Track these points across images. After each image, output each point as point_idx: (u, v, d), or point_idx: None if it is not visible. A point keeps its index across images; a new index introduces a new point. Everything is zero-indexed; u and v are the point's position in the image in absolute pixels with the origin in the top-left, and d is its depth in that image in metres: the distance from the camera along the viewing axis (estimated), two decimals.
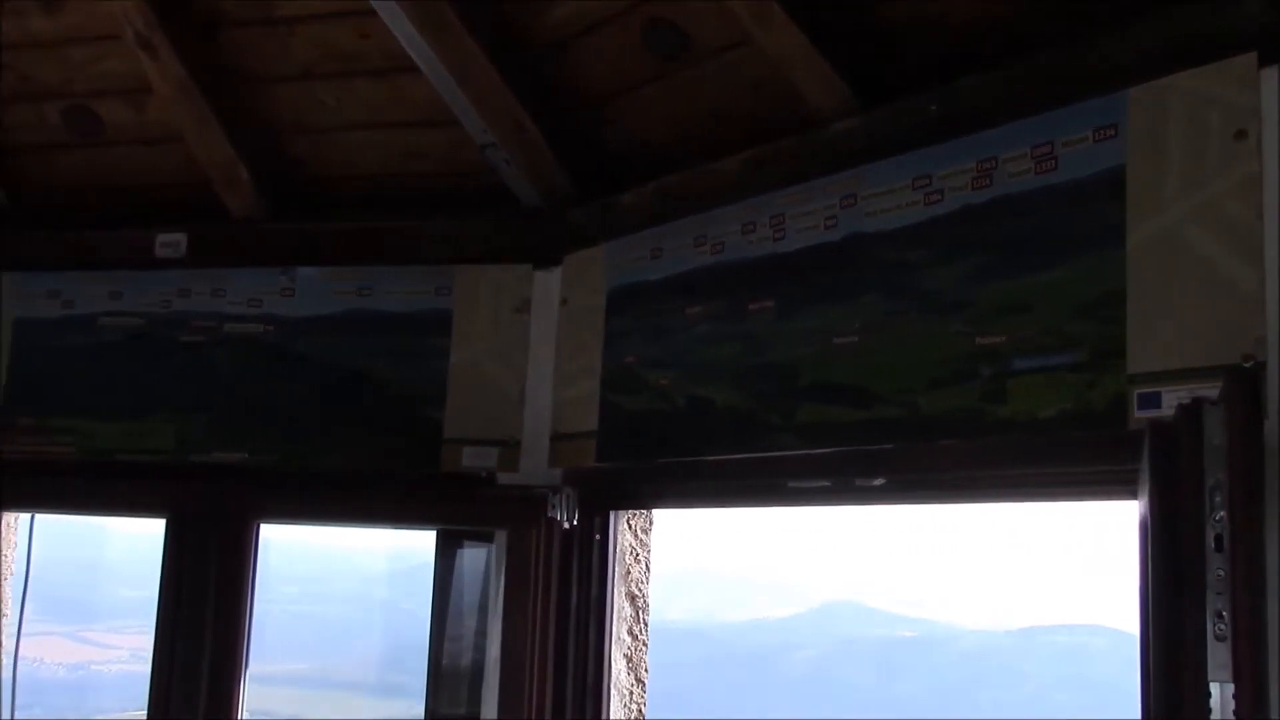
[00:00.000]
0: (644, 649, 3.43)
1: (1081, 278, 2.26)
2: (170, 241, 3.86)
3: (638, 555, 3.45)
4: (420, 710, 3.58)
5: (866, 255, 2.65)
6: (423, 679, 3.56)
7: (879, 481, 2.67)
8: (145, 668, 3.73)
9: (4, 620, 4.01)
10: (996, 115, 2.45)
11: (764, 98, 2.97)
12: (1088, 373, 2.22)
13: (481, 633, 3.51)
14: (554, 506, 3.28)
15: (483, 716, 3.42)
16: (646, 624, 3.44)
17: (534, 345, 3.48)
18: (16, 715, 4.10)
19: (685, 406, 3.02)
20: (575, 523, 3.30)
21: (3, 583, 4.02)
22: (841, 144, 2.75)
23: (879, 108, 2.71)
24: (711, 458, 2.96)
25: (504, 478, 3.45)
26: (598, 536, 3.34)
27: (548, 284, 3.49)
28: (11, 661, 4.06)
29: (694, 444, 3.00)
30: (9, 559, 4.06)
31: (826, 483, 2.78)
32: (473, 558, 3.58)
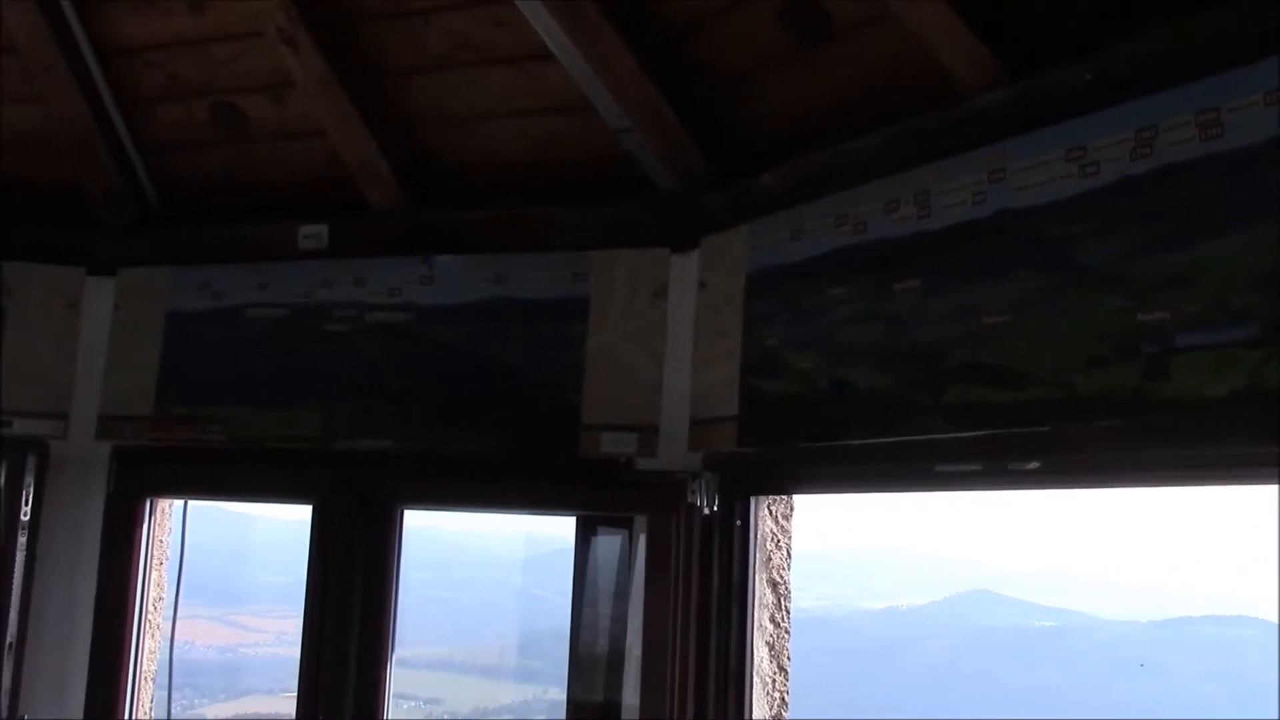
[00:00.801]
0: (786, 636, 3.38)
1: (1252, 249, 2.14)
2: (312, 233, 3.94)
3: (779, 541, 3.40)
4: (556, 695, 3.59)
5: (1017, 231, 2.56)
6: (557, 665, 3.56)
7: (1033, 465, 2.58)
8: (290, 650, 3.83)
9: (162, 603, 4.15)
10: (1156, 81, 2.33)
11: (905, 72, 2.90)
12: (1261, 348, 2.10)
13: (620, 619, 3.51)
14: (694, 492, 3.26)
15: (624, 703, 3.41)
16: (788, 611, 3.40)
17: (672, 329, 3.45)
18: (173, 693, 4.24)
19: (828, 389, 2.96)
20: (715, 508, 3.27)
21: (161, 567, 4.15)
22: (988, 117, 2.67)
23: (1028, 78, 2.61)
24: (855, 441, 2.90)
25: (643, 463, 3.44)
26: (738, 522, 3.30)
27: (685, 267, 3.47)
28: (168, 643, 4.20)
29: (837, 427, 2.94)
30: (165, 544, 4.19)
31: (977, 466, 2.70)
32: (610, 544, 3.58)
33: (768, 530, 3.36)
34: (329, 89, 3.70)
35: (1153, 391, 2.26)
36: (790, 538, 3.42)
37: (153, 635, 4.12)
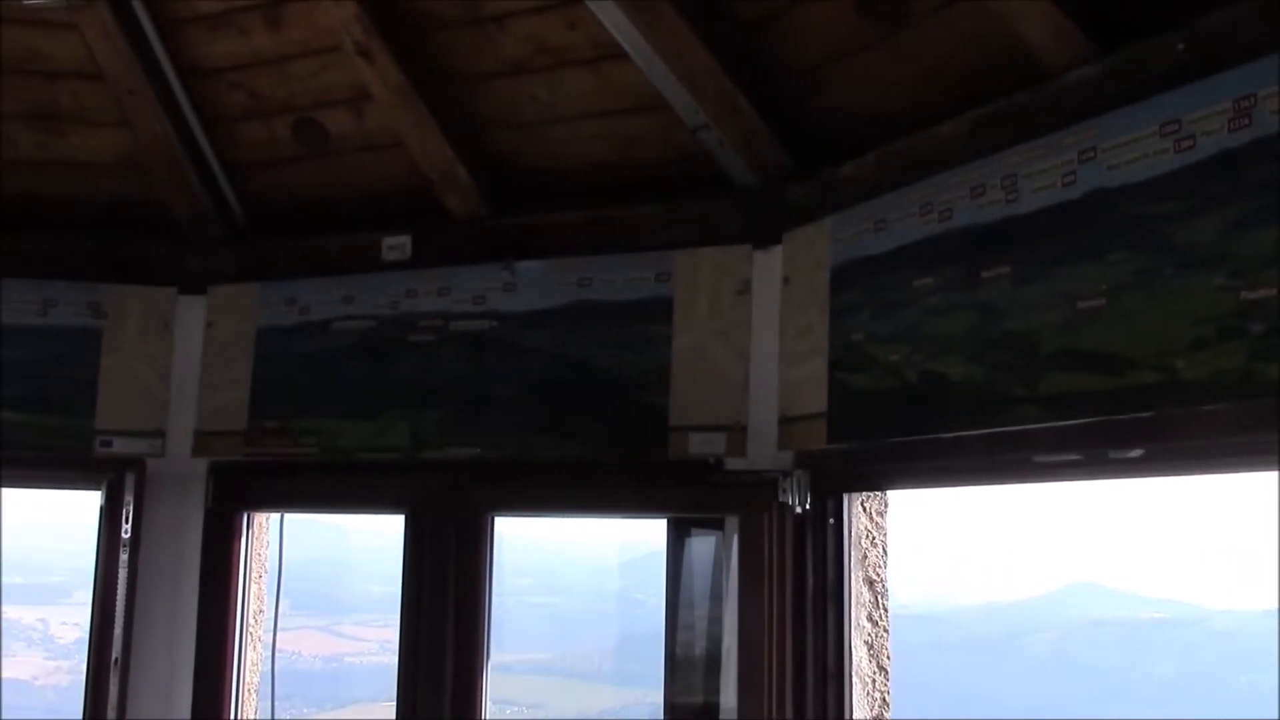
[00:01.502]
0: (885, 635, 3.32)
1: None
2: (396, 244, 3.98)
3: (874, 539, 3.35)
4: (656, 698, 3.58)
5: (1111, 211, 2.48)
6: (656, 667, 3.56)
7: (1136, 453, 2.49)
8: (394, 658, 3.85)
9: (263, 616, 4.21)
10: (1253, 49, 2.24)
11: (988, 53, 2.82)
12: None
13: (716, 620, 3.50)
14: (785, 490, 3.23)
15: (722, 704, 3.39)
16: (886, 609, 3.34)
17: (757, 326, 3.42)
18: (277, 704, 4.30)
19: (918, 382, 2.90)
20: (808, 507, 3.23)
21: (260, 580, 4.21)
22: (1077, 94, 2.59)
23: (1117, 52, 2.52)
24: (949, 434, 2.83)
25: (732, 463, 3.41)
26: (831, 520, 3.26)
27: (768, 263, 3.43)
28: (270, 654, 4.26)
29: (929, 421, 2.88)
30: (263, 558, 4.25)
31: (1077, 456, 2.61)
32: (703, 545, 3.56)
33: (862, 527, 3.31)
34: (406, 99, 3.72)
35: (1260, 373, 2.17)
36: (885, 534, 3.36)
37: (255, 647, 4.18)
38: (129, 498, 4.04)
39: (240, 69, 3.96)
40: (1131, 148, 2.44)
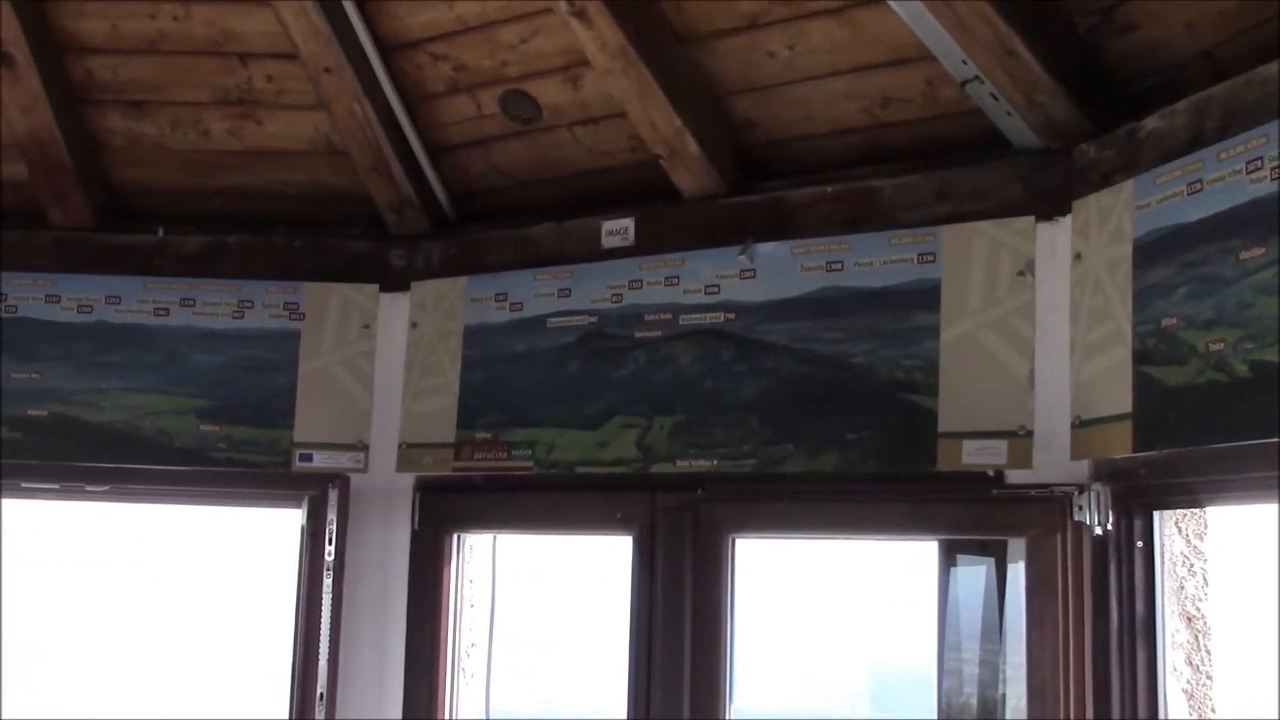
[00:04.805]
0: (1209, 683, 3.19)
1: None
2: (617, 229, 4.04)
3: (1192, 566, 3.22)
4: None
5: None
6: (917, 712, 3.52)
7: None
8: (612, 703, 3.89)
9: (475, 649, 4.32)
10: None
11: None
12: None
13: (988, 664, 3.46)
14: (1081, 508, 3.17)
15: None
16: (1210, 651, 3.21)
17: (1042, 313, 3.35)
18: None
19: (1248, 375, 2.77)
20: (1109, 527, 3.14)
21: (473, 609, 4.32)
22: None
23: None
24: None
25: (1015, 475, 3.34)
26: (1139, 543, 3.16)
27: (1055, 238, 3.35)
28: (484, 695, 4.37)
29: (1262, 422, 2.74)
30: (475, 584, 4.37)
31: None
32: (972, 575, 3.52)
33: (1177, 552, 3.19)
34: (627, 64, 3.77)
35: None
36: (1206, 561, 3.23)
37: (468, 684, 4.30)
38: (332, 516, 4.23)
39: (443, 39, 4.09)
40: None
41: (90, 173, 4.52)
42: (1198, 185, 2.95)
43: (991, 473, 3.37)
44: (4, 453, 4.34)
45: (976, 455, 3.38)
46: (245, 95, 4.37)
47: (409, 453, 4.34)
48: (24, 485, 4.41)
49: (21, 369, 4.42)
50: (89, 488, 4.41)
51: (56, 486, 4.43)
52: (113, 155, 4.56)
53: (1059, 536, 3.19)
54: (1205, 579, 3.22)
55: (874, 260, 3.59)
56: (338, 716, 4.18)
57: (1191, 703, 3.16)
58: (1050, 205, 3.37)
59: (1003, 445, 3.35)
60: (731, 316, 3.79)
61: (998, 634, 3.44)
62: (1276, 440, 2.73)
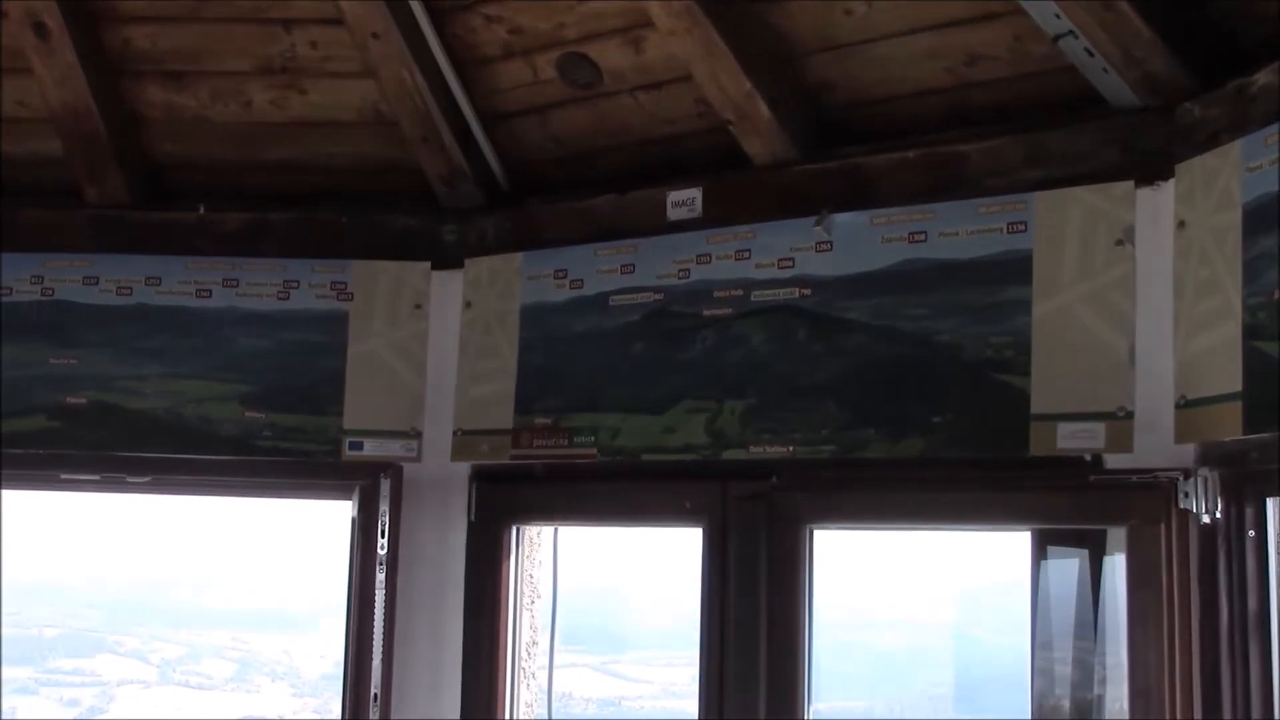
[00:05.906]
0: None
1: None
2: (683, 200, 4.01)
3: None
4: None
5: None
6: (1006, 713, 3.50)
7: None
8: (680, 704, 3.89)
9: (536, 648, 4.33)
10: None
11: None
12: None
13: (1082, 663, 3.45)
14: (1187, 495, 3.14)
15: None
16: None
17: (1143, 285, 3.30)
18: None
19: None
20: (1219, 515, 3.11)
21: (533, 606, 4.33)
22: None
23: None
24: None
25: (1114, 460, 3.31)
26: (1252, 532, 3.11)
27: (1156, 204, 3.31)
28: (546, 698, 4.38)
29: None
30: (535, 580, 4.37)
31: None
32: (1064, 568, 3.50)
33: None
34: (693, 23, 3.75)
35: None
36: None
37: (528, 685, 4.31)
38: (385, 508, 4.25)
39: (497, 0, 4.08)
40: None
41: (128, 147, 4.55)
42: None
43: (1089, 457, 3.34)
44: (42, 443, 4.39)
45: (1072, 439, 3.35)
46: (289, 64, 4.38)
47: (464, 440, 4.34)
48: (63, 477, 4.45)
49: (59, 354, 4.45)
50: (130, 479, 4.45)
51: (97, 478, 4.47)
52: (151, 129, 4.59)
53: (1162, 526, 3.17)
54: None
55: (960, 230, 3.55)
56: (393, 717, 4.20)
57: None
58: (1151, 169, 3.33)
59: (1100, 428, 3.31)
60: (807, 292, 3.76)
61: (1092, 631, 3.43)
62: None
